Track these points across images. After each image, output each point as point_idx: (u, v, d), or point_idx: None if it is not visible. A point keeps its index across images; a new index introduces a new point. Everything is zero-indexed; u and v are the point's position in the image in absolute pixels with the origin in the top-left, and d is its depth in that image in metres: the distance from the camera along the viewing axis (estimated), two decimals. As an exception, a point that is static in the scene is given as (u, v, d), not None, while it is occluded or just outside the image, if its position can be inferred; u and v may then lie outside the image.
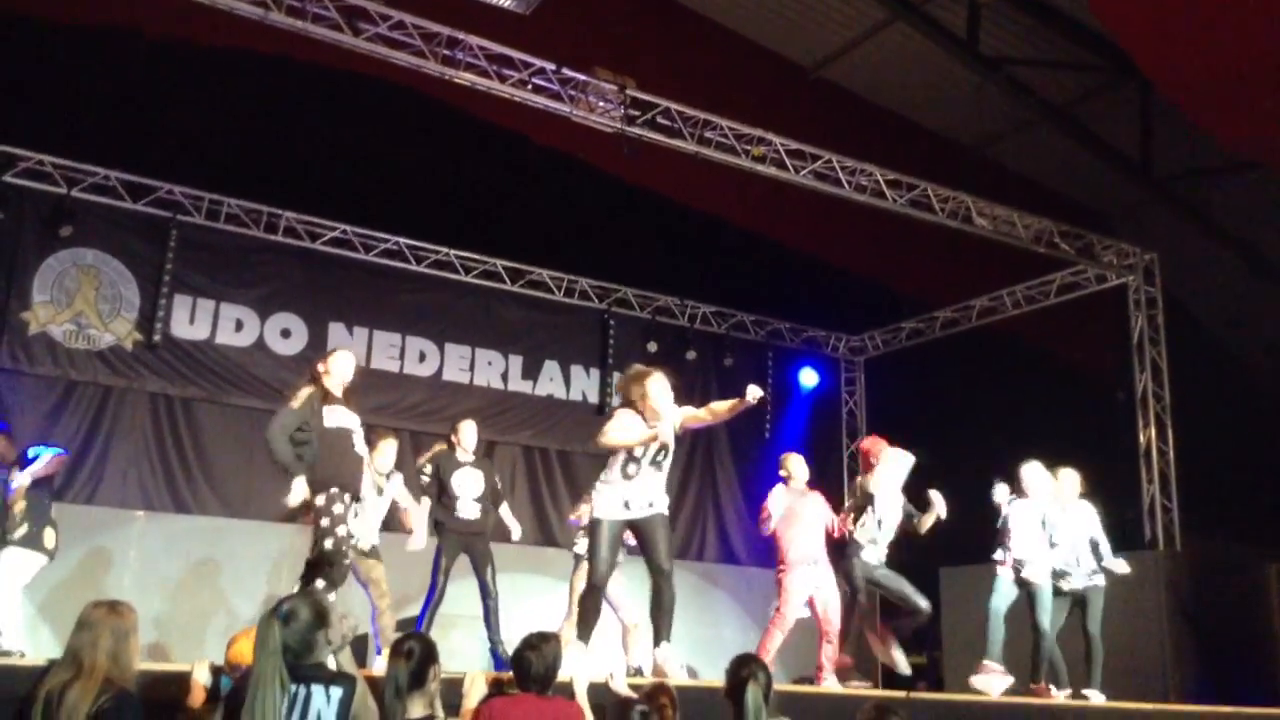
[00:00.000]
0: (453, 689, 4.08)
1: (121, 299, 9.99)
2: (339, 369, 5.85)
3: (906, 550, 7.60)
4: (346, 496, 5.67)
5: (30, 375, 9.47)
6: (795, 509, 7.34)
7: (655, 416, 5.34)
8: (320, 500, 5.55)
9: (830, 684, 6.77)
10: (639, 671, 6.93)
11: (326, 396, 5.73)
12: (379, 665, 5.85)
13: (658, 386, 5.40)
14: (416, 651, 3.73)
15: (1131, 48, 9.29)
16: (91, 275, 9.90)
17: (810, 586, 7.13)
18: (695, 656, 10.87)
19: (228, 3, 7.72)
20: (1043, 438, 10.65)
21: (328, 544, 5.51)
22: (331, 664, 3.33)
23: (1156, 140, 10.73)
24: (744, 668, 3.93)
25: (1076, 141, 11.01)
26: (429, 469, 7.30)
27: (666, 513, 5.43)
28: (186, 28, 9.00)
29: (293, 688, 3.13)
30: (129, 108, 9.52)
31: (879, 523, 7.18)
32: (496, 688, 4.31)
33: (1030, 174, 12.02)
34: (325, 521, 5.53)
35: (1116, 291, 11.50)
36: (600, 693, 4.39)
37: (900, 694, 6.38)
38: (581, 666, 4.60)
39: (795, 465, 7.51)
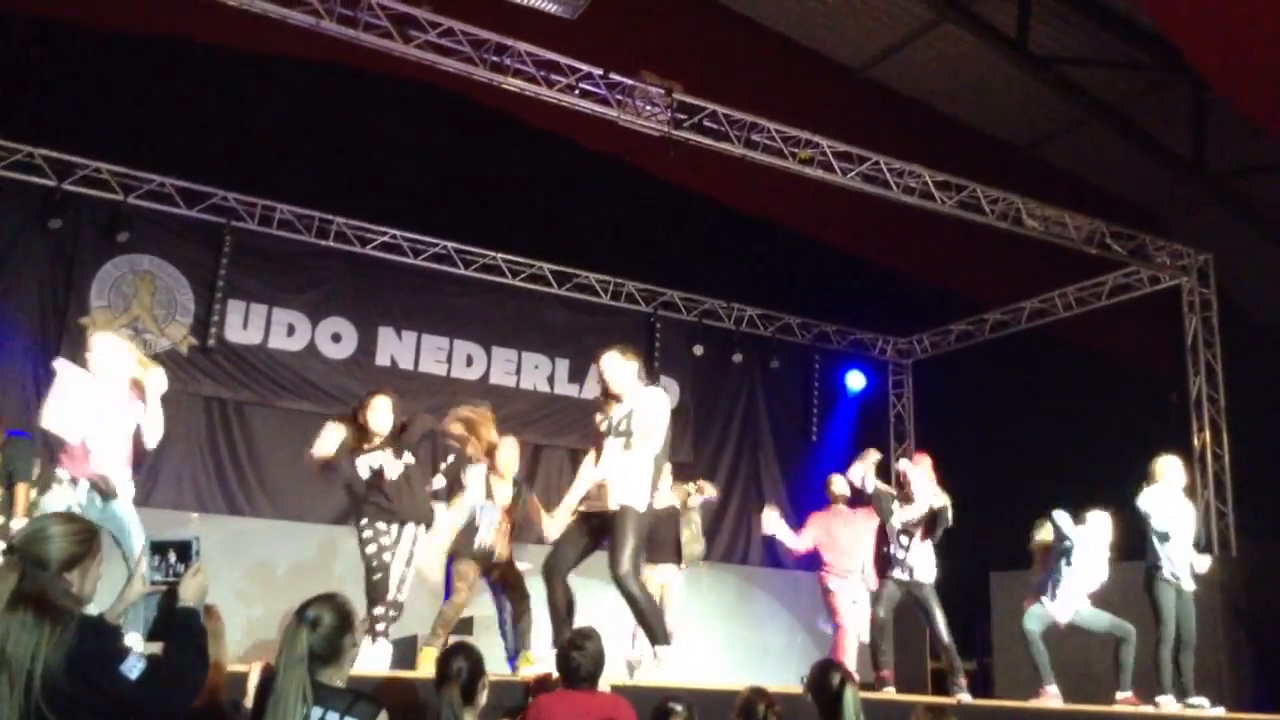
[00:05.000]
0: (499, 690, 4.11)
1: (177, 304, 10.16)
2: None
3: (955, 556, 7.56)
4: None
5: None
6: (832, 530, 8.05)
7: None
8: None
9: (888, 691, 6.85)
10: (632, 667, 7.09)
11: None
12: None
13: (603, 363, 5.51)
14: (465, 671, 3.75)
15: (1183, 43, 9.16)
16: (148, 281, 10.08)
17: (851, 596, 7.90)
18: (741, 661, 10.89)
19: (280, 11, 7.83)
20: (1094, 441, 10.57)
21: None
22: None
23: (1210, 138, 10.56)
24: (835, 671, 3.88)
25: (1128, 140, 10.86)
26: None
27: (635, 507, 5.15)
28: (238, 36, 9.14)
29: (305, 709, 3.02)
30: (183, 116, 9.68)
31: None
32: (539, 685, 4.35)
33: (1081, 174, 11.87)
34: None
35: (1170, 293, 11.32)
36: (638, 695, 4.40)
37: (951, 700, 6.34)
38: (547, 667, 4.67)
39: (836, 487, 8.19)
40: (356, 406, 6.39)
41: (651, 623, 5.15)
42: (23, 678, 2.52)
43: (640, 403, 5.30)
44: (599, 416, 5.45)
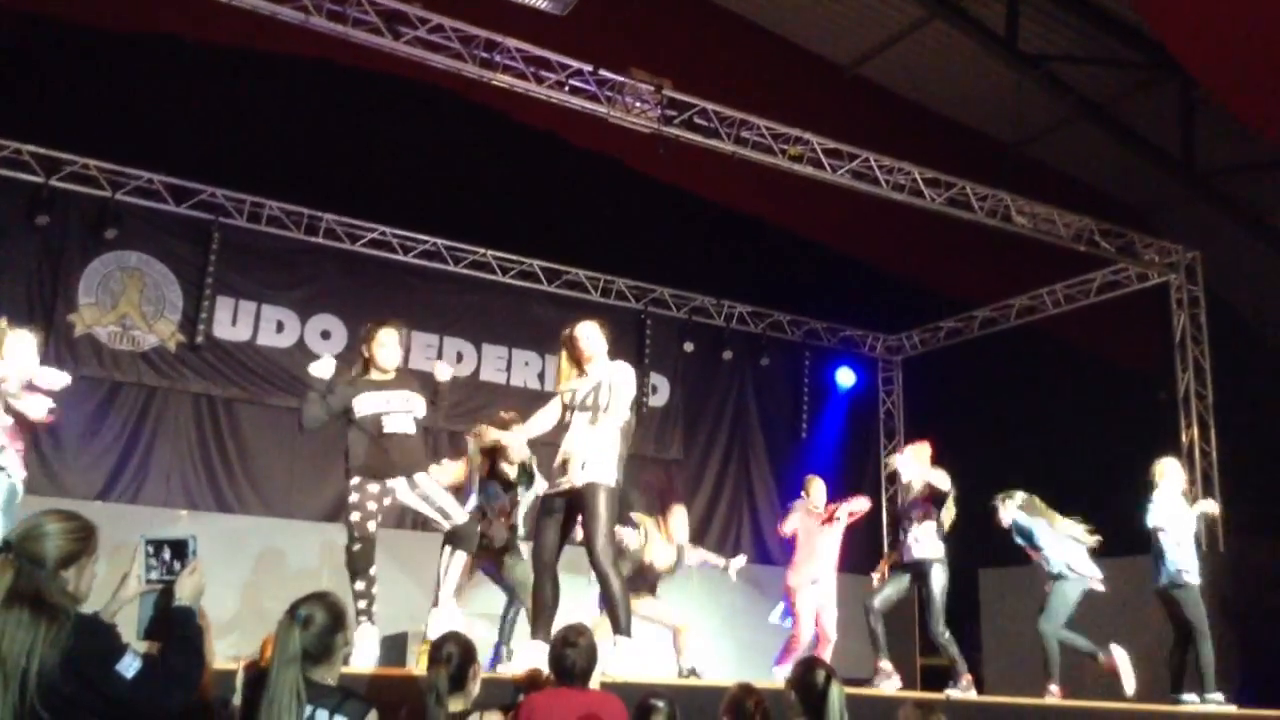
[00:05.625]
0: (489, 686, 4.11)
1: (165, 300, 10.13)
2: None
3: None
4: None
5: (76, 376, 9.57)
6: (810, 533, 8.12)
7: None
8: None
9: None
10: (693, 673, 6.93)
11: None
12: None
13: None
14: (455, 656, 3.74)
15: (1172, 42, 9.19)
16: (136, 277, 10.04)
17: (814, 605, 8.03)
18: (730, 657, 10.88)
19: (269, 7, 7.81)
20: (1083, 438, 10.60)
21: None
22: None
23: (1198, 136, 10.60)
24: (819, 669, 3.81)
25: (1117, 138, 10.90)
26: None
27: (605, 482, 5.00)
28: (228, 33, 9.11)
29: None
30: (171, 112, 9.64)
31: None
32: (530, 683, 4.35)
33: (1070, 171, 11.91)
34: None
35: (1158, 290, 11.38)
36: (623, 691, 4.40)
37: (939, 696, 6.36)
38: (526, 661, 4.69)
39: (815, 490, 8.28)
40: (362, 338, 5.71)
41: (619, 610, 5.01)
42: (18, 676, 2.51)
43: (610, 377, 5.15)
44: (563, 390, 5.29)
